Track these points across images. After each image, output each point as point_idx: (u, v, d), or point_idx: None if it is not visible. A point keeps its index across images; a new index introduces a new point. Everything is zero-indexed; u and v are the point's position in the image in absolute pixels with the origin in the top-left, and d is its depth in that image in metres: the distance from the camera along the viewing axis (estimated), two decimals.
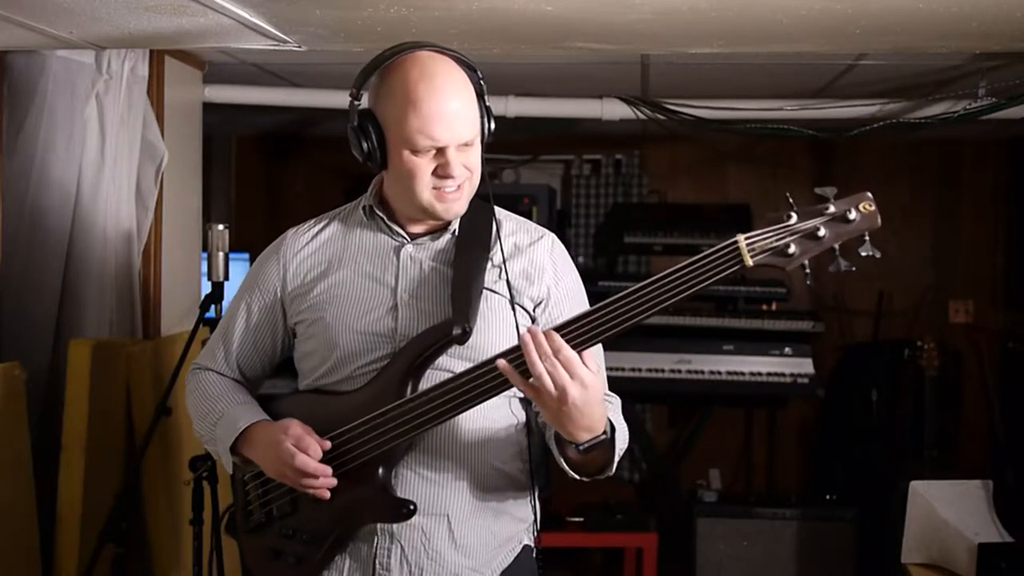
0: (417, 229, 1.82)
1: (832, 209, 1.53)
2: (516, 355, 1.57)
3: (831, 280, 5.36)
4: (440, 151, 1.69)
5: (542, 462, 1.85)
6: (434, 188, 1.72)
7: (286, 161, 5.69)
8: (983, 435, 4.90)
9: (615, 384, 1.85)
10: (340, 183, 5.46)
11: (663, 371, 4.47)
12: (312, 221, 1.92)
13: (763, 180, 5.36)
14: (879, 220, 1.54)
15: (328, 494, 1.71)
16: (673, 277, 1.54)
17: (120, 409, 3.07)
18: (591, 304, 1.63)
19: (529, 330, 1.54)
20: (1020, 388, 4.68)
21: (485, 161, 1.77)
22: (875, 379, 4.79)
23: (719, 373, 4.49)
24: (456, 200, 1.74)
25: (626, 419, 1.79)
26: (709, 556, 4.10)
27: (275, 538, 1.82)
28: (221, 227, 2.84)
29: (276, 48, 2.77)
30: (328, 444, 1.70)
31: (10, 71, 3.11)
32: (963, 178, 5.32)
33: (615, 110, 4.07)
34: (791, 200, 1.55)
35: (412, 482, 1.74)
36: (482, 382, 1.64)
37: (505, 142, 5.21)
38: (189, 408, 1.93)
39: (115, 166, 3.21)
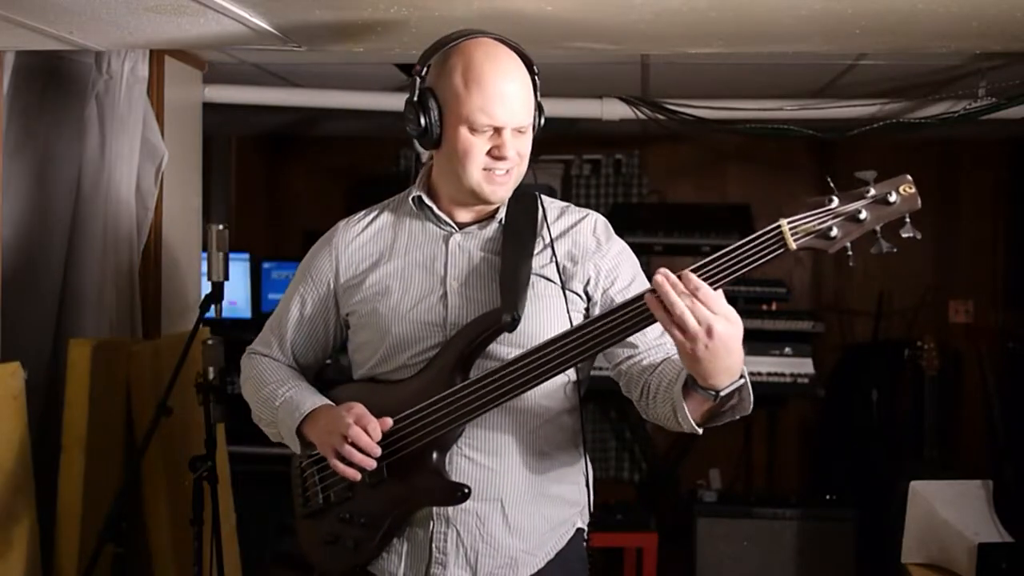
0: (464, 218, 1.85)
1: (873, 192, 1.54)
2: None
3: (831, 280, 5.37)
4: (497, 132, 1.73)
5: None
6: (485, 169, 1.75)
7: (286, 161, 5.68)
8: (983, 435, 4.90)
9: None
10: (340, 183, 5.46)
11: None
12: (362, 212, 1.95)
13: (763, 180, 5.35)
14: (919, 202, 1.55)
15: (359, 475, 1.72)
16: (721, 261, 1.54)
17: (120, 409, 3.07)
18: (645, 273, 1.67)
19: (661, 272, 1.51)
20: (1020, 388, 4.68)
21: (533, 153, 1.81)
22: (875, 379, 4.78)
23: None
24: (504, 184, 1.77)
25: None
26: (709, 556, 4.09)
27: (332, 523, 1.85)
28: (221, 227, 2.83)
29: (276, 48, 2.77)
30: (390, 422, 1.72)
31: (10, 71, 3.11)
32: (963, 178, 5.31)
33: (615, 110, 4.06)
34: (832, 184, 1.55)
35: (465, 468, 1.77)
36: (532, 368, 1.66)
37: None
38: (245, 392, 1.97)
39: (115, 166, 3.21)
